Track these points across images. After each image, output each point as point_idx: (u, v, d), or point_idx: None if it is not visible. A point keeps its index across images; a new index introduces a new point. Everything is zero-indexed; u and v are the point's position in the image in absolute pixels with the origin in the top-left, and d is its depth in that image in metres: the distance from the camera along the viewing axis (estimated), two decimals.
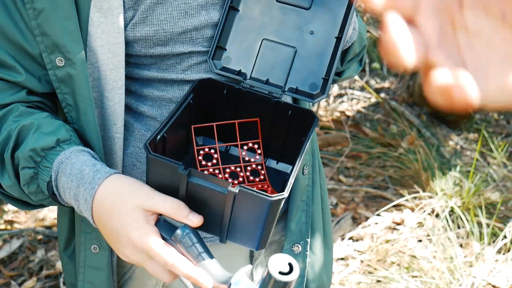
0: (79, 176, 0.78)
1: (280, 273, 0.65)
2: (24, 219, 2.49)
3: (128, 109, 0.93)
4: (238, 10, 0.91)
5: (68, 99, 0.85)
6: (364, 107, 3.32)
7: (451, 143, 3.06)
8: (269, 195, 0.72)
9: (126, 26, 0.84)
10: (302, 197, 0.99)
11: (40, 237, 2.37)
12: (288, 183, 0.76)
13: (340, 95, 3.40)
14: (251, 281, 0.70)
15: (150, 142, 0.76)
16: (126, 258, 0.76)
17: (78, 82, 0.83)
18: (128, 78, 0.90)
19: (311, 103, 0.93)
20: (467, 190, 2.49)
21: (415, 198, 2.51)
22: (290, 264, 0.66)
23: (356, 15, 0.99)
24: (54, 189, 0.80)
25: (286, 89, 0.91)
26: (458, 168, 2.69)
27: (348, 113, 3.27)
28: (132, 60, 0.89)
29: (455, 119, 3.17)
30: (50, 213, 2.49)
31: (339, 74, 1.06)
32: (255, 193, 0.72)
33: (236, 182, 0.91)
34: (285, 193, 0.74)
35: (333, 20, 0.90)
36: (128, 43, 0.86)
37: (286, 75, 0.92)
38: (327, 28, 0.90)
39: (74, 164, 0.79)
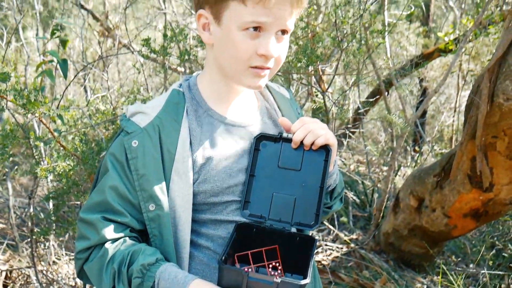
0: (174, 280, 1.17)
1: None
2: None
3: (190, 241, 1.32)
4: (255, 176, 1.36)
5: (155, 231, 1.26)
6: (337, 257, 3.69)
7: (418, 285, 3.41)
8: (299, 281, 1.11)
9: (193, 183, 1.28)
10: None
11: None
12: (308, 271, 1.16)
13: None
14: None
15: (220, 259, 1.17)
16: None
17: (163, 220, 1.25)
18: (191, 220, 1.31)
19: (310, 231, 1.35)
20: None
21: None
22: None
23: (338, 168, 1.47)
24: None
25: (292, 223, 1.34)
26: None
27: (324, 262, 3.62)
28: (194, 207, 1.31)
29: (419, 263, 3.56)
30: None
31: (329, 207, 1.50)
32: (290, 280, 1.11)
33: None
34: (308, 279, 1.13)
35: (316, 176, 1.36)
36: (193, 195, 1.28)
37: (291, 214, 1.35)
38: (313, 181, 1.36)
39: (170, 273, 1.18)
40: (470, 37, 3.64)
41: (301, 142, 1.33)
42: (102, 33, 6.41)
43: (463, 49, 3.80)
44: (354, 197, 4.12)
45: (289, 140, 1.36)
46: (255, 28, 1.20)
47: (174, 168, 1.25)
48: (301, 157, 1.36)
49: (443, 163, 3.06)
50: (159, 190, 1.24)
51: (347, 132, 4.18)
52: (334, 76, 2.35)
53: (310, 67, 2.24)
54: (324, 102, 2.49)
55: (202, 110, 1.35)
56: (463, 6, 6.18)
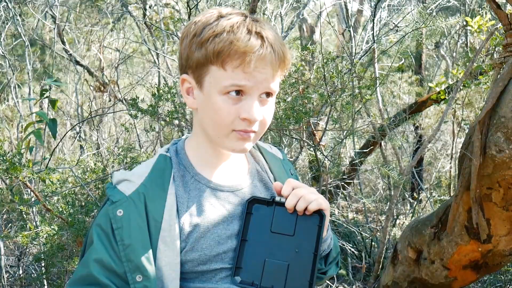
0: None
1: None
2: None
3: None
4: (247, 240, 1.32)
5: None
6: None
7: None
8: None
9: (181, 252, 1.25)
10: None
11: None
12: None
13: None
14: None
15: None
16: None
17: None
18: None
19: None
20: None
21: None
22: None
23: (332, 231, 1.44)
24: None
25: None
26: None
27: None
28: (182, 276, 1.26)
29: None
30: None
31: (324, 273, 1.46)
32: None
33: None
34: None
35: (310, 241, 1.32)
36: (181, 263, 1.25)
37: (284, 282, 1.30)
38: (307, 247, 1.31)
39: None
40: (461, 87, 3.67)
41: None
42: (97, 88, 6.48)
43: (455, 99, 3.83)
44: (353, 249, 4.06)
45: (281, 204, 1.32)
46: (237, 92, 1.20)
47: (160, 237, 1.23)
48: (294, 222, 1.32)
49: (440, 214, 3.02)
50: (146, 260, 1.21)
51: (342, 183, 4.15)
52: (324, 131, 2.35)
53: (300, 122, 2.24)
54: (316, 156, 2.48)
55: (189, 175, 1.33)
56: (454, 54, 6.28)
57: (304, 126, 2.34)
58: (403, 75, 6.73)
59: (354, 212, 5.89)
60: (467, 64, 3.75)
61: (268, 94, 1.25)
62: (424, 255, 3.08)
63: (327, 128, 2.60)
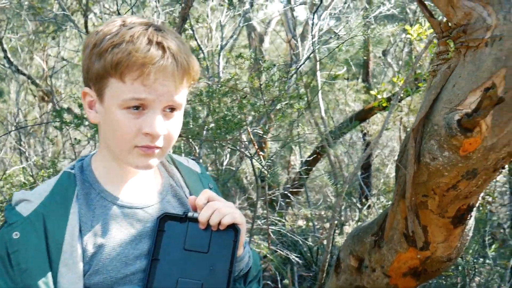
0: None
1: None
2: None
3: None
4: (159, 260, 1.25)
5: None
6: None
7: None
8: None
9: (84, 275, 1.16)
10: None
11: None
12: None
13: None
14: None
15: None
16: None
17: None
18: None
19: None
20: None
21: None
22: None
23: (250, 248, 1.38)
24: None
25: None
26: None
27: None
28: None
29: None
30: None
31: None
32: None
33: None
34: None
35: (225, 258, 1.25)
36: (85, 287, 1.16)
37: None
38: (222, 264, 1.25)
39: None
40: (402, 95, 3.72)
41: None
42: (41, 98, 6.27)
43: (396, 106, 3.88)
44: (297, 258, 4.04)
45: (195, 220, 1.26)
46: (137, 106, 1.14)
47: (62, 260, 1.14)
48: (209, 238, 1.26)
49: (381, 222, 3.03)
50: (44, 285, 1.12)
51: (284, 192, 4.14)
52: (261, 141, 2.32)
53: (237, 132, 2.21)
54: (253, 167, 2.44)
55: (95, 192, 1.25)
56: (400, 63, 6.39)
57: (239, 137, 2.31)
58: (351, 83, 6.81)
59: (303, 220, 5.89)
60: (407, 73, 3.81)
61: (174, 108, 1.19)
62: (365, 263, 3.08)
63: (266, 138, 2.57)
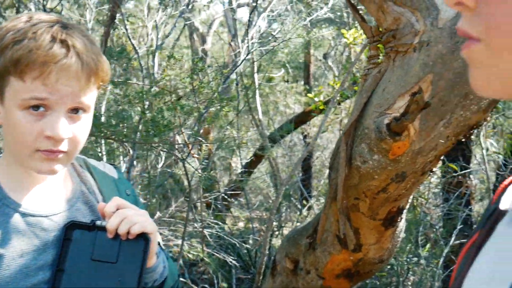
0: None
1: None
2: None
3: None
4: (64, 270, 1.17)
5: None
6: None
7: None
8: None
9: None
10: None
11: None
12: None
13: None
14: None
15: None
16: None
17: None
18: None
19: None
20: None
21: None
22: None
23: (167, 257, 1.33)
24: None
25: None
26: None
27: None
28: None
29: None
30: None
31: None
32: None
33: None
34: None
35: (134, 269, 1.18)
36: None
37: None
38: (131, 276, 1.18)
39: None
40: (339, 98, 3.76)
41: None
42: None
43: (332, 109, 3.92)
44: (234, 261, 4.01)
45: (104, 229, 1.18)
46: (38, 107, 1.07)
47: None
48: (118, 248, 1.19)
49: (315, 224, 3.05)
50: None
51: (222, 195, 4.11)
52: (194, 143, 2.28)
53: (167, 134, 2.15)
54: (185, 169, 2.40)
55: None
56: (339, 66, 6.49)
57: (173, 139, 2.26)
58: (292, 85, 6.86)
59: (244, 222, 5.88)
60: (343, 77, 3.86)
61: (80, 110, 1.13)
62: (300, 266, 3.09)
63: (202, 140, 2.53)
